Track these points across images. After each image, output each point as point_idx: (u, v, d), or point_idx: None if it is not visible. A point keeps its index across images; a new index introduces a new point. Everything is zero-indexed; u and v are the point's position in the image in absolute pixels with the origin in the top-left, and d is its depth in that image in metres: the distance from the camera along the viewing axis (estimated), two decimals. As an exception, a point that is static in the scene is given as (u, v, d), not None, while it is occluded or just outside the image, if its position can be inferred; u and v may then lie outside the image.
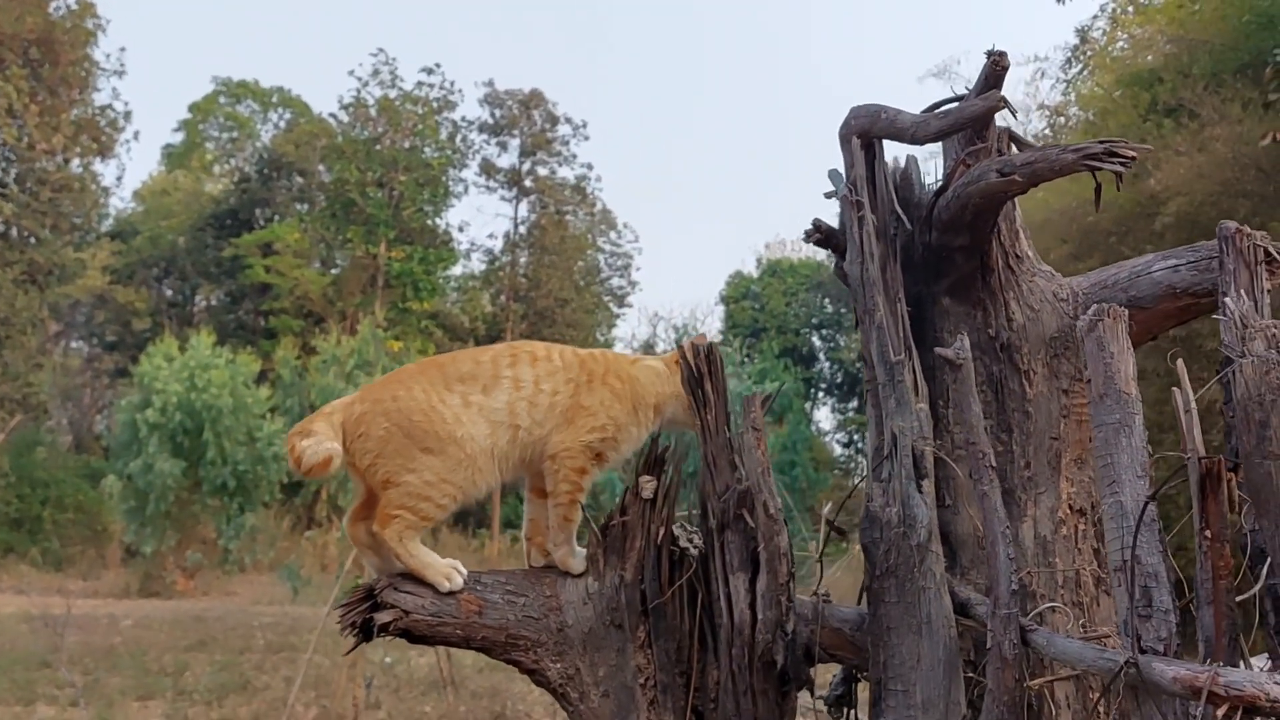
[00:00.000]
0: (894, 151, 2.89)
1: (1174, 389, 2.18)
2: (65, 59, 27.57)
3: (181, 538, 23.52)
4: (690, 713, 2.61)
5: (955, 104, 2.62)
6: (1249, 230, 2.39)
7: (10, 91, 26.11)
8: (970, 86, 2.61)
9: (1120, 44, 14.56)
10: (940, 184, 2.68)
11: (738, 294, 31.07)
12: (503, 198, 33.11)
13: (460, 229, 37.86)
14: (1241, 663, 2.05)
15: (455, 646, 2.55)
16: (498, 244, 33.82)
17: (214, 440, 22.55)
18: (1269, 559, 2.05)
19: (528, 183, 32.75)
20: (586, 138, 34.25)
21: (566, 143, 33.13)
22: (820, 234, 2.84)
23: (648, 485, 2.59)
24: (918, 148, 2.82)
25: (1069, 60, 16.11)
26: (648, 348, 32.26)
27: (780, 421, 23.19)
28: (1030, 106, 16.19)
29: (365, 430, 2.46)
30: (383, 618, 2.43)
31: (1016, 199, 2.70)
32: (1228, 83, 11.41)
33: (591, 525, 2.66)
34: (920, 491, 2.50)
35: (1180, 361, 2.22)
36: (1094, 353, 2.26)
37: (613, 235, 34.75)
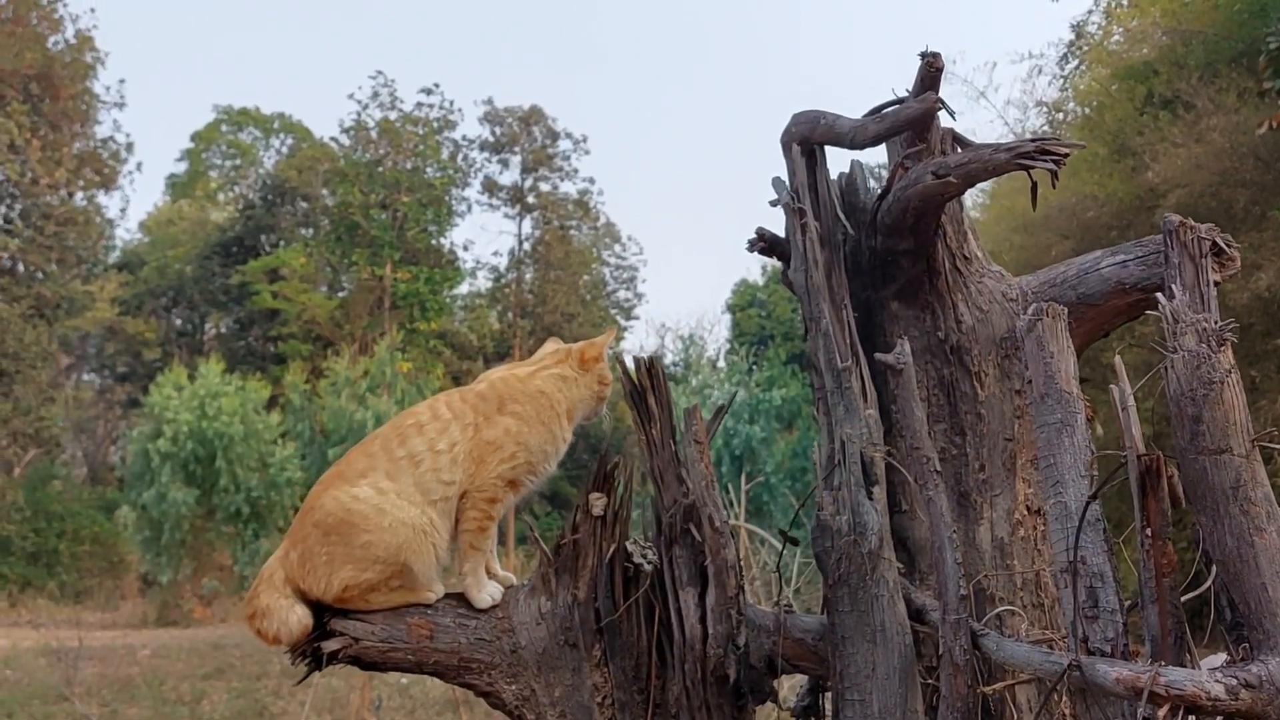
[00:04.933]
0: (846, 158, 2.89)
1: (1111, 386, 2.16)
2: (65, 93, 27.80)
3: (197, 566, 23.62)
4: (651, 729, 2.59)
5: (895, 107, 2.60)
6: (1193, 223, 2.36)
7: (11, 127, 26.33)
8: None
9: (1115, 38, 14.54)
10: (882, 189, 2.67)
11: (744, 302, 31.06)
12: (506, 215, 33.30)
13: (465, 248, 38.10)
14: (1189, 661, 2.02)
15: (408, 672, 2.53)
16: (503, 261, 34.00)
17: (226, 467, 22.65)
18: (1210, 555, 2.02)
19: (530, 199, 32.87)
20: (587, 152, 34.42)
21: (568, 158, 33.28)
22: (764, 242, 2.82)
23: (598, 502, 2.57)
24: (871, 153, 2.81)
25: (1065, 56, 16.10)
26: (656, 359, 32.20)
27: (790, 429, 23.14)
28: (1028, 104, 16.16)
29: (313, 566, 2.43)
30: (330, 645, 2.42)
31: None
32: (1223, 72, 11.37)
33: (541, 545, 2.64)
34: (871, 498, 2.47)
35: (1118, 358, 2.19)
36: (1034, 352, 2.23)
37: (617, 248, 34.84)
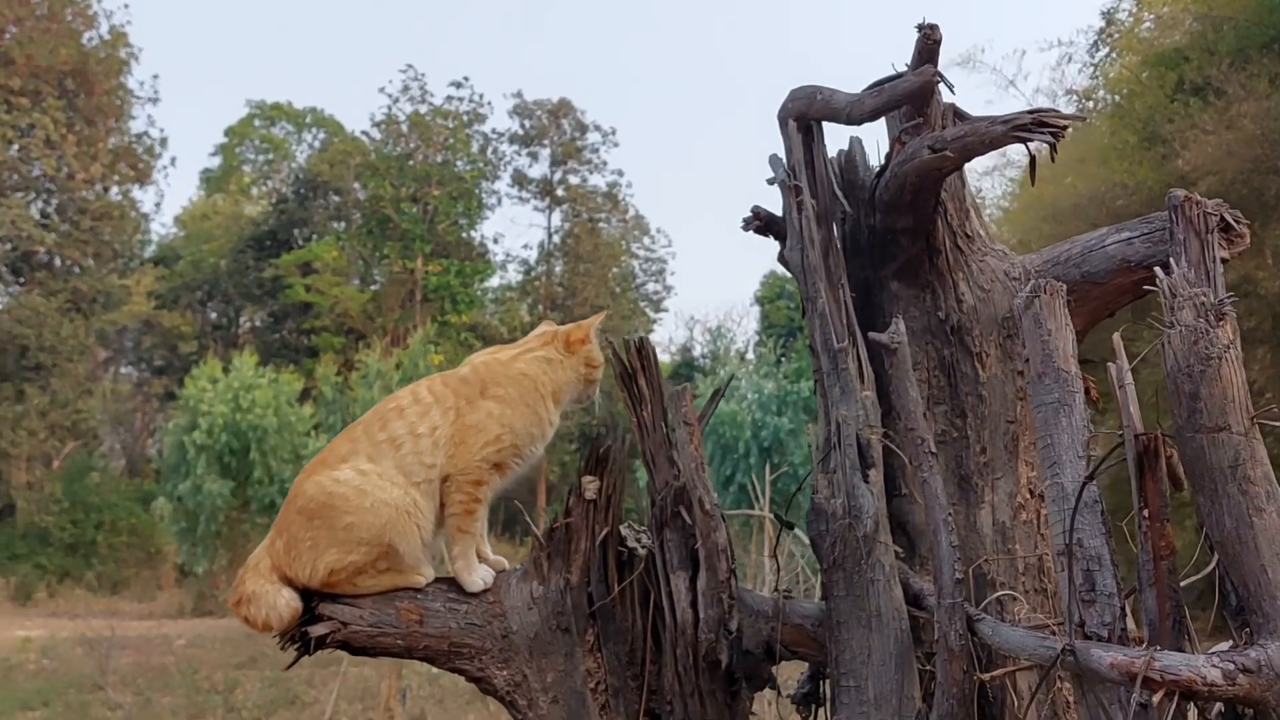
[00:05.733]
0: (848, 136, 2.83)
1: (1109, 364, 2.10)
2: (100, 89, 28.09)
3: (232, 556, 23.83)
4: (646, 715, 2.55)
5: (893, 81, 2.54)
6: (1199, 198, 2.29)
7: (47, 123, 26.64)
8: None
9: (1146, 24, 14.35)
10: (881, 165, 2.61)
11: (772, 294, 30.89)
12: (535, 208, 33.34)
13: (495, 240, 38.26)
14: (1187, 646, 1.97)
15: (397, 657, 2.51)
16: (532, 254, 34.04)
17: (260, 459, 22.85)
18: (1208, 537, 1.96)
19: (559, 192, 32.89)
20: (616, 144, 34.41)
21: (596, 150, 33.27)
22: (760, 221, 2.77)
23: (590, 485, 2.53)
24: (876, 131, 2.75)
25: (1095, 43, 15.88)
26: (684, 350, 32.21)
27: (818, 420, 22.96)
28: (1057, 92, 15.97)
29: (298, 552, 2.41)
30: (318, 630, 2.39)
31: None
32: (1254, 58, 11.19)
33: (534, 529, 2.61)
34: (867, 481, 2.42)
35: (1117, 335, 2.13)
36: (1031, 330, 2.18)
37: (646, 241, 34.81)
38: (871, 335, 2.38)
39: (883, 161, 2.62)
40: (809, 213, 2.58)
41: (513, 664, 2.52)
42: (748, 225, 2.78)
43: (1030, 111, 2.24)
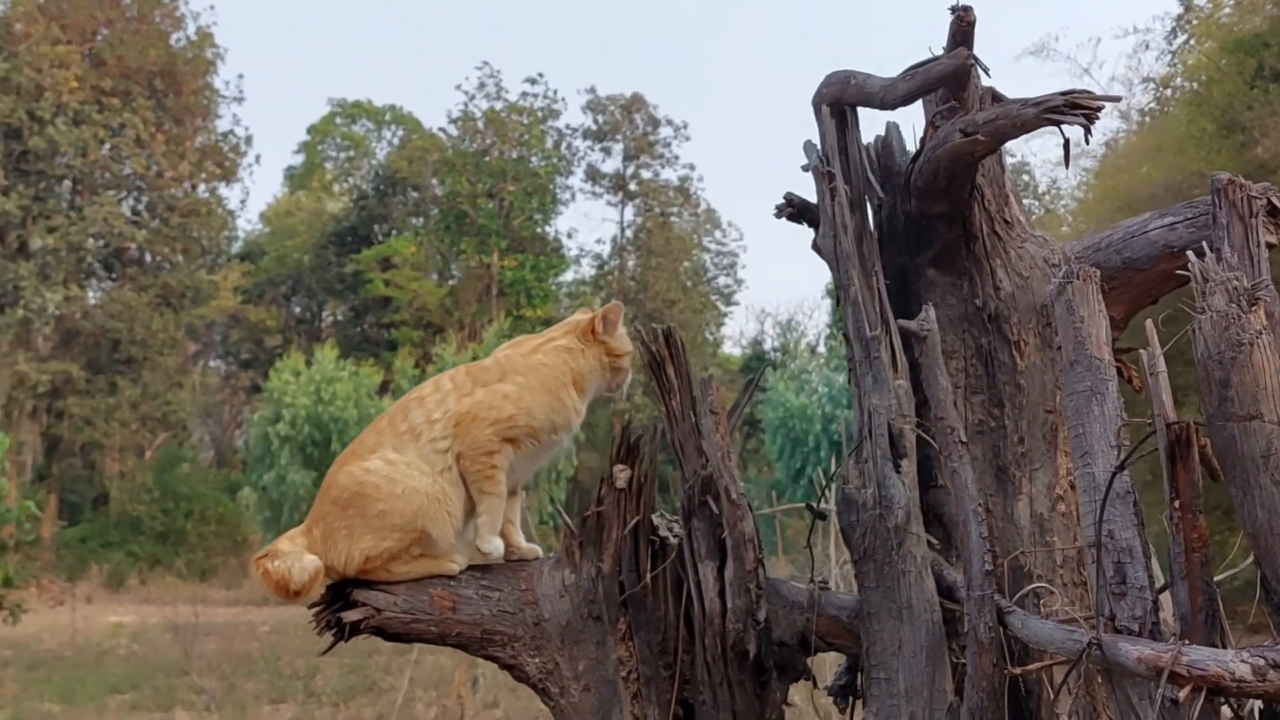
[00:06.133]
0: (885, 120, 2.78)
1: (1141, 350, 2.04)
2: (187, 88, 28.86)
3: (314, 546, 24.28)
4: (678, 705, 2.55)
5: (926, 64, 2.50)
6: (1243, 181, 2.22)
7: (137, 123, 27.45)
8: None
9: (1225, 10, 13.90)
10: (916, 150, 2.57)
11: (846, 287, 30.54)
12: (608, 202, 33.50)
13: (569, 235, 38.45)
14: (1220, 642, 1.91)
15: (430, 643, 2.54)
16: (605, 249, 34.15)
17: (341, 450, 23.23)
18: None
19: (632, 186, 32.96)
20: (688, 138, 34.39)
21: (668, 144, 33.33)
22: (793, 208, 2.74)
23: (621, 474, 2.54)
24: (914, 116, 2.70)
25: (1173, 30, 15.42)
26: (755, 344, 32.07)
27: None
28: (1133, 80, 15.54)
29: (334, 540, 2.45)
30: (351, 616, 2.43)
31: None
32: (1337, 44, 10.77)
33: (565, 518, 2.62)
34: (898, 471, 2.39)
35: (1150, 322, 2.07)
36: (1063, 317, 2.13)
37: (717, 234, 34.77)
38: (900, 322, 2.35)
39: (919, 146, 2.58)
40: (842, 199, 2.55)
41: (545, 651, 2.53)
42: (780, 212, 2.76)
43: (1063, 93, 2.18)
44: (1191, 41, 14.62)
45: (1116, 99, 2.20)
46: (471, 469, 2.47)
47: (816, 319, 31.73)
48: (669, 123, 33.41)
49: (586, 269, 34.79)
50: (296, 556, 2.43)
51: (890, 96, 2.48)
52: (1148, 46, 20.46)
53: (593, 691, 2.53)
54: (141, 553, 27.12)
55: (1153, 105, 14.73)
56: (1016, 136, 2.32)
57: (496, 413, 2.46)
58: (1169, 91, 14.47)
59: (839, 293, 2.61)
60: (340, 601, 2.48)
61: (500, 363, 2.57)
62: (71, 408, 27.49)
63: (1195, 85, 13.14)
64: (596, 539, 2.56)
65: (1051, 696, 2.39)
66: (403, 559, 2.46)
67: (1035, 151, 31.20)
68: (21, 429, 26.84)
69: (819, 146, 2.68)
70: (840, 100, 2.62)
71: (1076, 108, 2.16)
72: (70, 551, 26.63)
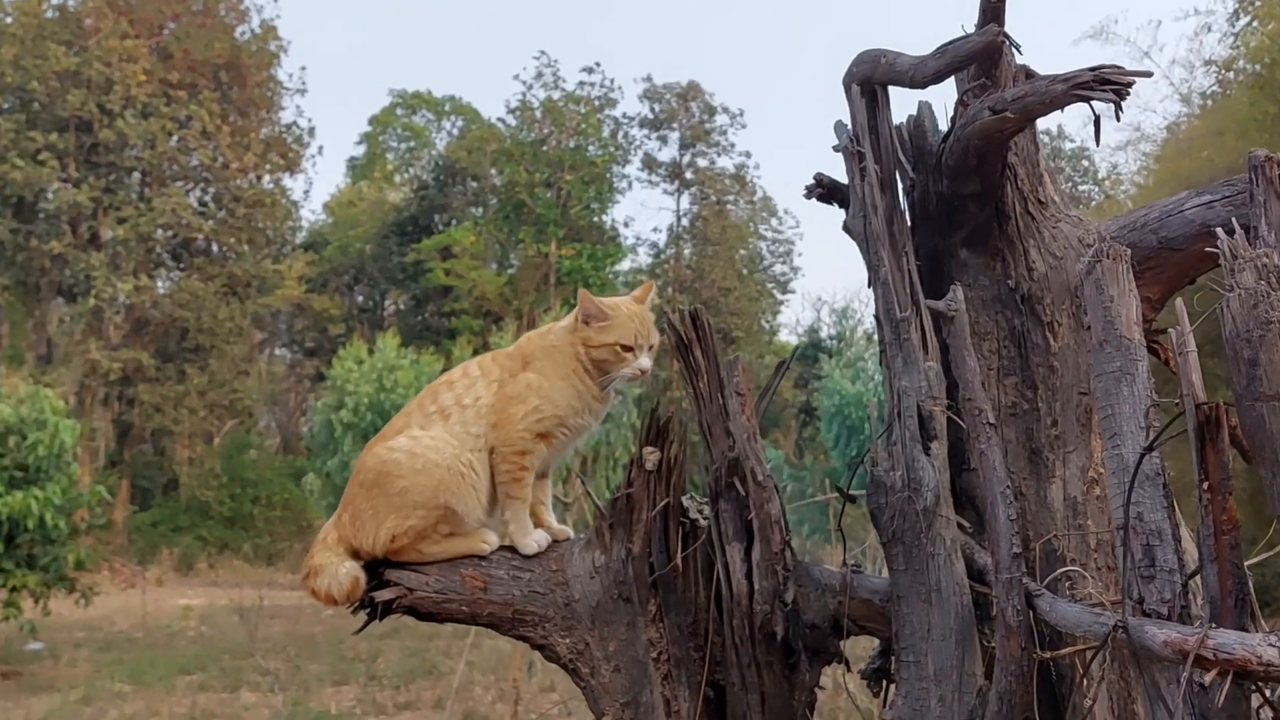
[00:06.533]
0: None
1: (1170, 329, 2.00)
2: (252, 80, 29.29)
3: (379, 531, 24.59)
4: (709, 687, 2.56)
5: (956, 42, 2.46)
6: (1280, 158, 2.16)
7: (204, 115, 27.92)
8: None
9: (1291, -11, 13.44)
10: (947, 129, 2.54)
11: (901, 274, 30.21)
12: (665, 191, 33.51)
13: (626, 224, 38.53)
14: (1250, 625, 1.87)
15: (462, 623, 2.57)
16: (662, 237, 34.15)
17: (401, 438, 23.49)
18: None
19: (688, 175, 32.89)
20: (744, 126, 34.31)
21: (724, 132, 33.21)
22: (822, 188, 2.72)
23: (651, 456, 2.55)
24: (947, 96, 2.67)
25: (1235, 12, 14.98)
26: (811, 332, 31.87)
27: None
28: (1195, 63, 15.13)
29: (361, 522, 2.49)
30: (384, 595, 2.48)
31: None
32: (1401, 24, 10.39)
33: (594, 500, 2.64)
34: (927, 454, 2.37)
35: (1179, 300, 2.03)
36: (1092, 297, 2.09)
37: (774, 222, 34.62)
38: (928, 303, 2.32)
39: (949, 126, 2.54)
40: (872, 179, 2.53)
41: (575, 632, 2.55)
42: (810, 193, 2.74)
43: (1092, 69, 2.14)
44: (1254, 23, 14.20)
45: (1148, 74, 2.15)
46: (502, 467, 2.50)
47: (873, 306, 31.45)
48: (725, 110, 33.33)
49: (643, 257, 34.87)
50: (332, 571, 2.50)
51: (920, 75, 2.44)
52: (1209, 29, 19.94)
53: (623, 672, 2.55)
54: (210, 537, 27.70)
55: (1214, 88, 14.37)
56: (1046, 113, 2.28)
57: (523, 406, 2.48)
58: (1231, 74, 14.09)
59: (870, 274, 2.59)
60: (374, 581, 2.52)
61: (523, 347, 2.60)
62: (142, 395, 28.13)
63: (1258, 68, 12.75)
64: (626, 521, 2.57)
65: (1086, 682, 2.36)
66: (432, 538, 2.49)
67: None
68: (94, 416, 27.54)
69: (849, 126, 2.66)
70: (871, 79, 2.59)
71: (1106, 83, 2.12)
72: (141, 536, 27.29)
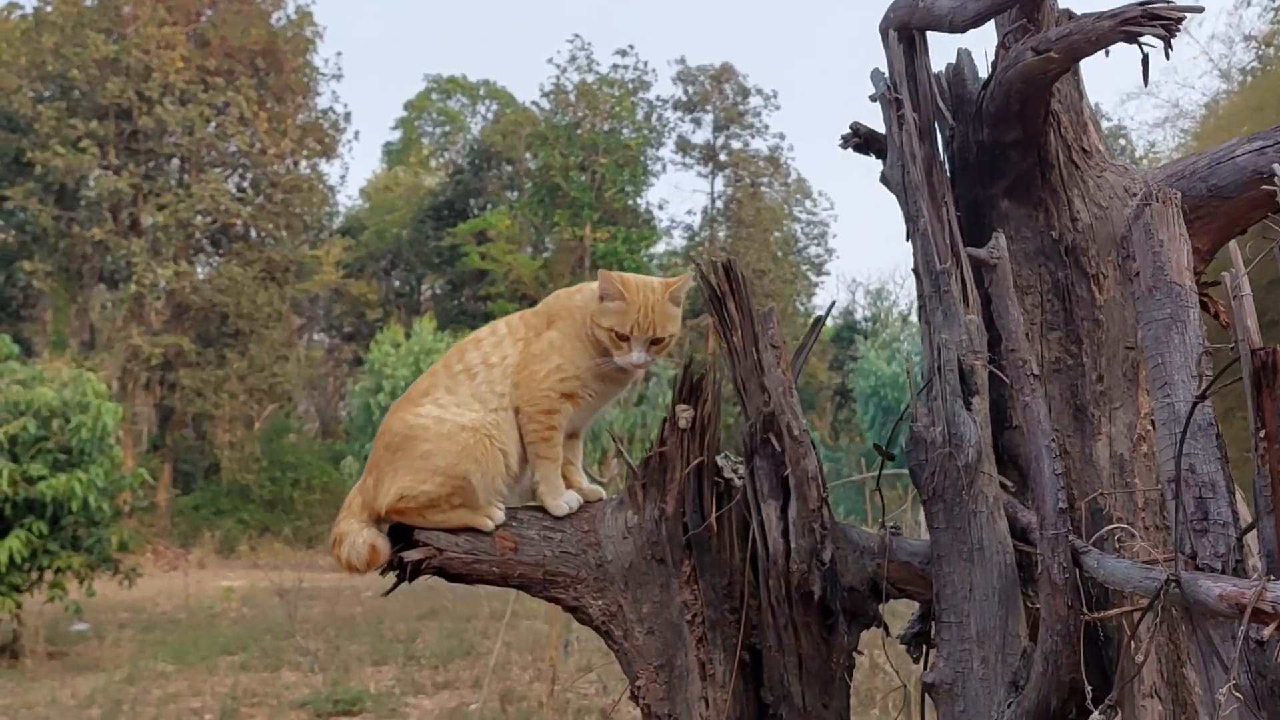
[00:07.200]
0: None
1: (1224, 272, 1.92)
2: (288, 66, 29.43)
3: (417, 513, 24.78)
4: (744, 650, 2.51)
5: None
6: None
7: (241, 101, 28.09)
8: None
9: (1331, -35, 13.10)
10: (988, 76, 2.45)
11: (938, 254, 29.98)
12: (699, 173, 33.43)
13: (660, 207, 38.49)
14: (1313, 580, 1.79)
15: (492, 584, 2.53)
16: (696, 220, 34.09)
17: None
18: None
19: (722, 157, 32.77)
20: (778, 107, 34.15)
21: (758, 114, 33.09)
22: (859, 138, 2.65)
23: (684, 414, 2.49)
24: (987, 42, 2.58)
25: (1278, -15, 14.61)
26: (846, 314, 31.69)
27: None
28: (1234, 38, 14.79)
29: (381, 485, 2.46)
30: (413, 555, 2.44)
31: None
32: None
33: (628, 459, 2.59)
34: (969, 409, 2.29)
35: (1233, 243, 1.95)
36: (1141, 242, 2.01)
37: (808, 204, 34.44)
38: (969, 250, 2.25)
39: (990, 71, 2.46)
40: (910, 127, 2.45)
41: (608, 594, 2.50)
42: (846, 142, 2.66)
43: (1140, 3, 2.05)
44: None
45: (1199, 9, 2.06)
46: (529, 427, 2.45)
47: (908, 287, 31.28)
48: (759, 92, 33.16)
49: (678, 240, 34.83)
50: (351, 540, 2.47)
51: (960, 18, 2.36)
52: (1249, 3, 19.50)
53: (657, 635, 2.49)
54: (251, 520, 28.01)
55: (1254, 64, 14.04)
56: (1092, 52, 2.19)
57: (546, 364, 2.44)
58: (1271, 50, 13.75)
59: (908, 225, 2.51)
60: (402, 543, 2.49)
61: (549, 305, 2.56)
62: (183, 379, 28.42)
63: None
64: (660, 480, 2.51)
65: (1136, 645, 2.29)
66: (441, 507, 2.44)
67: (1132, 115, 29.99)
68: (136, 401, 27.88)
69: (886, 74, 2.58)
70: (908, 25, 2.51)
71: (1155, 19, 2.04)
72: (184, 518, 27.64)
